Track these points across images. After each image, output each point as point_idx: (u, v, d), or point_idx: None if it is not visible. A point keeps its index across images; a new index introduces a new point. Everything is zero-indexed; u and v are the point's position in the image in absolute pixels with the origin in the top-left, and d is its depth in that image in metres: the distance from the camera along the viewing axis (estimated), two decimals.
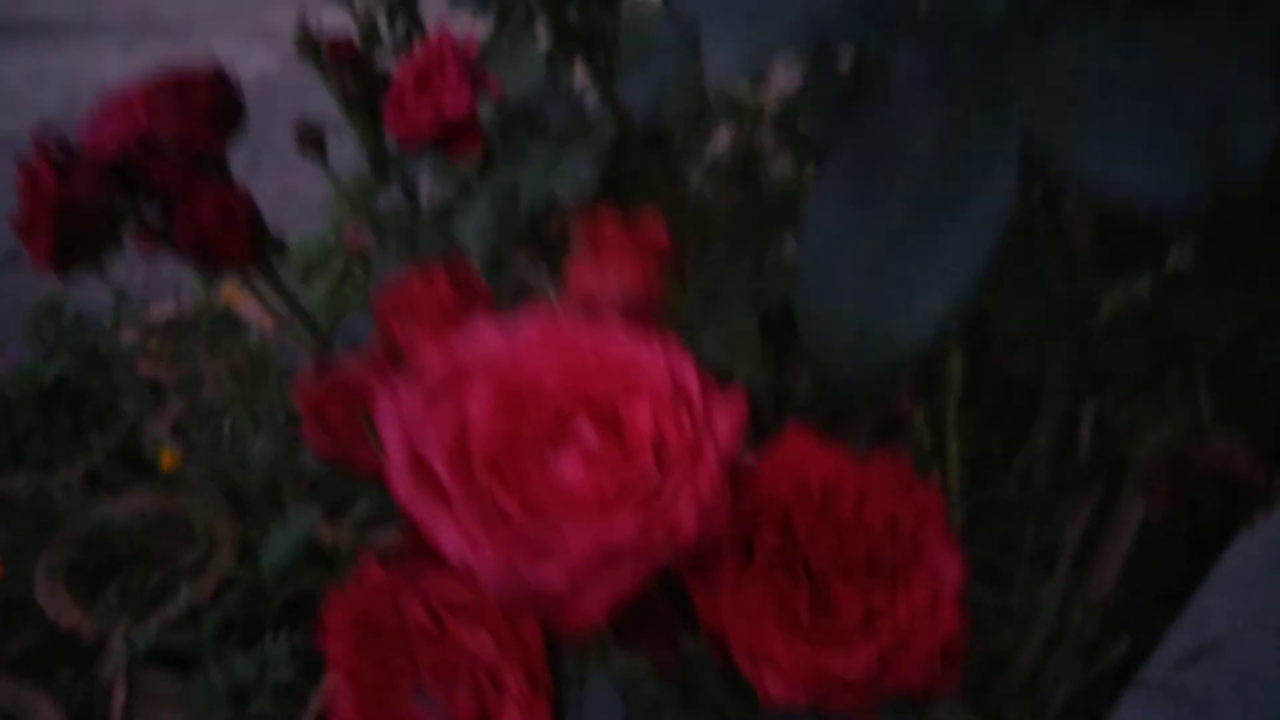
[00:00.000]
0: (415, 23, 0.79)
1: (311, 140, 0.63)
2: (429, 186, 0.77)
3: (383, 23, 0.82)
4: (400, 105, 0.65)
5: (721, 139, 0.70)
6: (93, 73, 3.39)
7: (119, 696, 0.91)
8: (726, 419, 0.21)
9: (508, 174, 0.49)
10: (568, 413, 0.21)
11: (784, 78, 0.60)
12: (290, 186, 2.93)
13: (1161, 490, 0.55)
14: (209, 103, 0.38)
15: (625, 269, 0.22)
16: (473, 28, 0.64)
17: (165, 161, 0.36)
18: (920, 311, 0.19)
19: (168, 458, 1.25)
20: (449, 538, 0.19)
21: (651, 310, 0.22)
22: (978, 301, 0.20)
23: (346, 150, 0.77)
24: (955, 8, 0.18)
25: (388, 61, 0.83)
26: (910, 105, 0.18)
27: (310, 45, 0.63)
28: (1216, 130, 0.17)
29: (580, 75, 0.60)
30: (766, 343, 0.53)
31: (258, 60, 3.66)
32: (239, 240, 0.38)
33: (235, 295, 1.49)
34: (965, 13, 0.18)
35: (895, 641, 0.21)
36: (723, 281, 0.47)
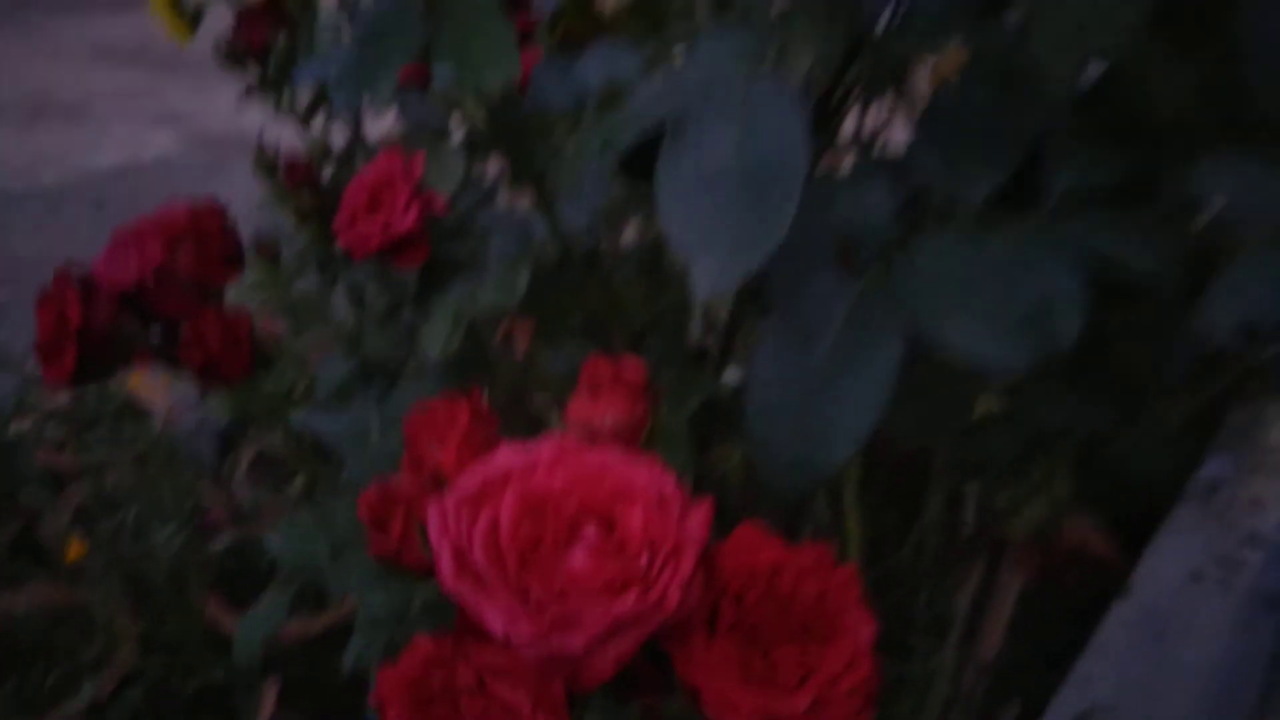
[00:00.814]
0: (359, 139, 0.86)
1: (269, 253, 0.68)
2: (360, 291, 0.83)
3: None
4: (352, 221, 0.71)
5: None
6: None
7: None
8: (697, 520, 0.27)
9: (464, 291, 0.56)
10: (578, 518, 0.27)
11: None
12: None
13: (1030, 565, 0.64)
14: (222, 247, 0.44)
15: (615, 403, 0.29)
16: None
17: (176, 291, 0.41)
18: (838, 440, 0.26)
19: (75, 548, 1.23)
20: (493, 616, 0.25)
21: (637, 435, 0.29)
22: None
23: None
24: (861, 231, 0.25)
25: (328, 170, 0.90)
26: (829, 293, 0.26)
27: (268, 167, 0.68)
28: (1042, 317, 0.25)
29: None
30: (693, 434, 0.60)
31: (159, 143, 3.63)
32: (240, 360, 0.43)
33: (138, 383, 1.48)
34: (869, 232, 0.25)
35: (826, 688, 0.28)
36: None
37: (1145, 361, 0.37)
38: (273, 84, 0.69)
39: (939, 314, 0.25)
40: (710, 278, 0.23)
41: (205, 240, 0.42)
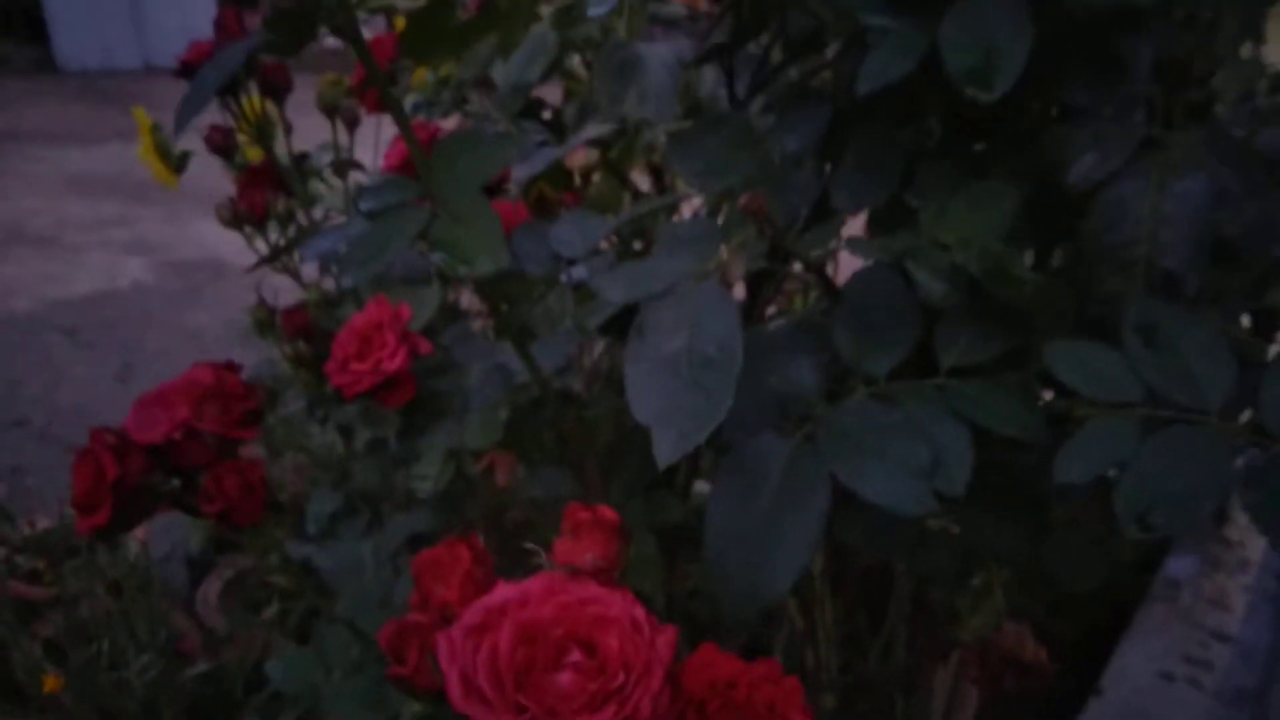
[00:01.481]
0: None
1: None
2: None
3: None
4: (344, 365, 0.77)
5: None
6: None
7: None
8: (665, 641, 0.33)
9: (452, 430, 0.62)
10: (564, 643, 0.32)
11: None
12: None
13: (973, 667, 0.69)
14: (245, 409, 0.49)
15: (594, 543, 0.34)
16: None
17: (200, 446, 0.46)
18: (781, 571, 0.32)
19: (50, 681, 1.24)
20: None
21: (614, 568, 0.34)
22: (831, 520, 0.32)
23: None
24: (792, 398, 0.32)
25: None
26: (769, 450, 0.32)
27: (268, 320, 0.74)
28: (938, 468, 0.32)
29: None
30: (664, 552, 0.65)
31: (132, 271, 3.68)
32: (254, 507, 0.48)
33: None
34: (798, 398, 0.32)
35: None
36: (627, 515, 0.60)
37: (1048, 485, 0.44)
38: (275, 250, 0.75)
39: (856, 467, 0.31)
40: (669, 446, 0.29)
41: (229, 401, 0.48)
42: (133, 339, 3.19)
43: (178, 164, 1.41)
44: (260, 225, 0.71)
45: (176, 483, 0.49)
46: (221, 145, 0.76)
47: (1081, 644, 1.08)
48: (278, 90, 0.79)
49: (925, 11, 0.35)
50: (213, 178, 1.25)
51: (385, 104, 0.48)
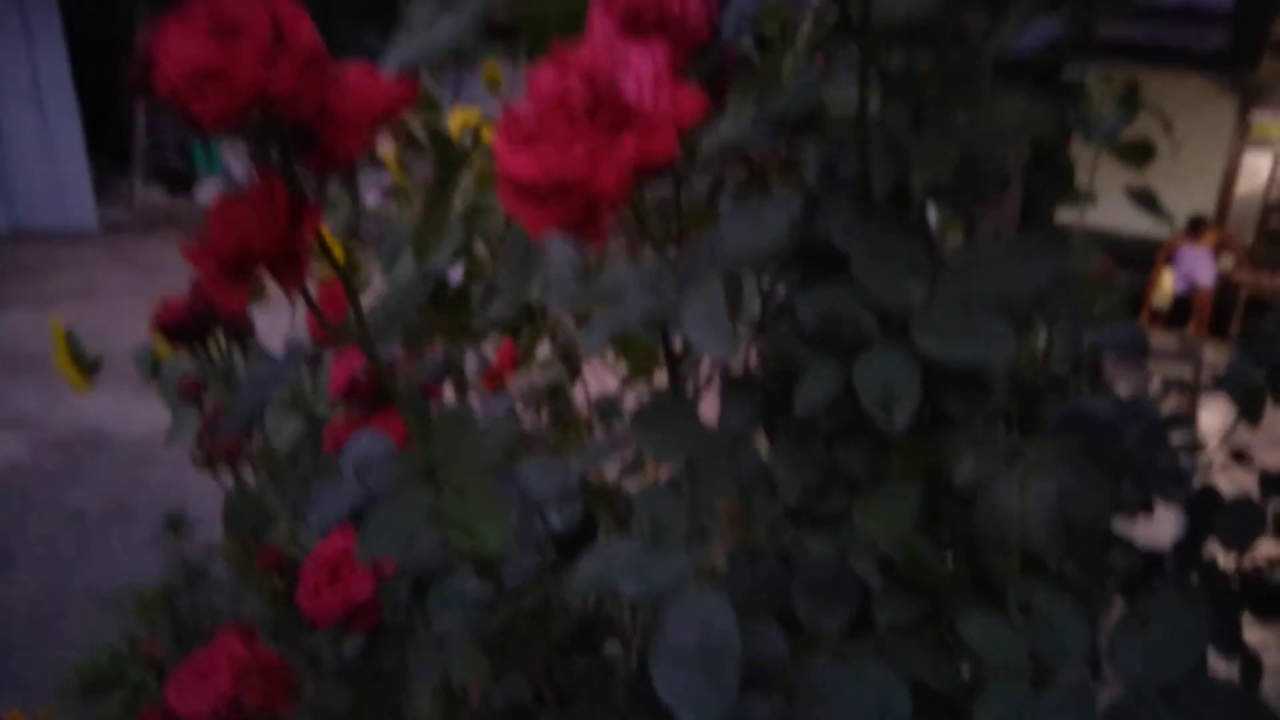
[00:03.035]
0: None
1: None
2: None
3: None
4: (315, 594, 0.83)
5: None
6: None
7: None
8: None
9: (437, 662, 0.68)
10: None
11: None
12: (49, 584, 2.87)
13: None
14: (286, 684, 0.55)
15: None
16: None
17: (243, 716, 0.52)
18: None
19: None
20: None
21: None
22: None
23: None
24: (768, 662, 0.42)
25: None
26: (761, 707, 0.42)
27: (242, 552, 0.80)
28: (885, 714, 0.41)
29: None
30: None
31: (8, 449, 3.54)
32: None
33: None
34: (773, 662, 0.42)
35: None
36: None
37: None
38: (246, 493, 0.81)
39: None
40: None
41: (271, 676, 0.54)
42: (11, 523, 3.04)
43: (91, 369, 1.45)
44: (234, 464, 0.77)
45: None
46: (194, 393, 0.82)
47: None
48: (241, 335, 0.86)
49: (843, 355, 0.47)
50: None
51: (389, 394, 0.57)
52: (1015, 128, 0.46)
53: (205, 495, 1.19)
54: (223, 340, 0.86)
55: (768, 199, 0.50)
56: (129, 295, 5.74)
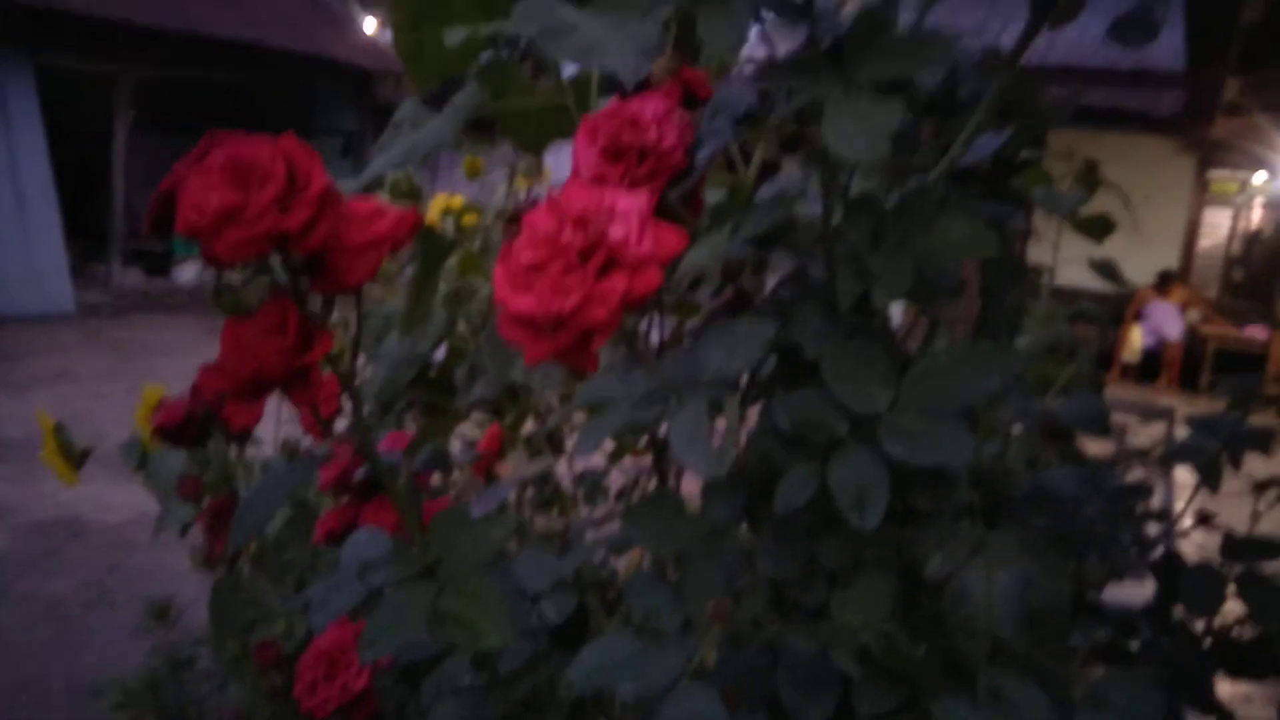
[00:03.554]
0: None
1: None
2: None
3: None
4: (312, 688, 0.85)
5: None
6: None
7: None
8: None
9: None
10: None
11: None
12: (28, 677, 2.84)
13: None
14: None
15: None
16: None
17: None
18: None
19: None
20: None
21: None
22: None
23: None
24: None
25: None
26: None
27: (231, 644, 0.81)
28: None
29: None
30: None
31: None
32: None
33: None
34: None
35: None
36: None
37: None
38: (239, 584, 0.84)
39: None
40: None
41: None
42: None
43: (78, 461, 1.47)
44: (233, 565, 0.80)
45: None
46: (193, 493, 0.85)
47: None
48: (240, 436, 0.89)
49: (818, 456, 0.51)
50: None
51: (397, 509, 0.60)
52: (963, 248, 0.50)
53: (186, 580, 1.21)
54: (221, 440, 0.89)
55: (743, 319, 0.54)
56: (106, 379, 5.72)
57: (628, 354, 0.53)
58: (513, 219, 0.82)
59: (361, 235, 0.53)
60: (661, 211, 0.60)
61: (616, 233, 0.42)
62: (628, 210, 0.42)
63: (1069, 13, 0.61)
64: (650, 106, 0.59)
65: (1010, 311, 0.76)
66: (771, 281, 0.70)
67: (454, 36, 0.77)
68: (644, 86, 0.70)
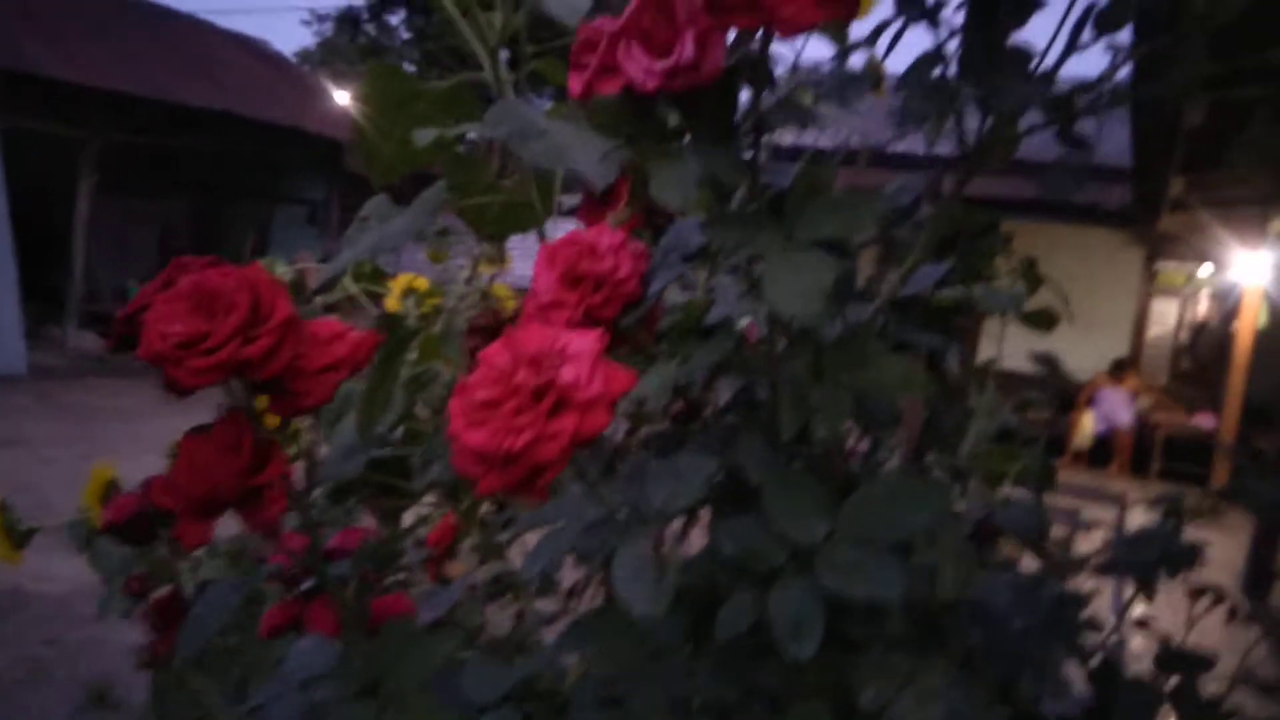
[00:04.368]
0: None
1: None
2: None
3: None
4: None
5: None
6: None
7: None
8: None
9: None
10: None
11: None
12: None
13: None
14: None
15: None
16: None
17: None
18: None
19: None
20: None
21: None
22: None
23: None
24: None
25: None
26: None
27: None
28: None
29: None
30: None
31: None
32: None
33: None
34: None
35: None
36: None
37: None
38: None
39: None
40: None
41: None
42: None
43: (21, 541, 1.44)
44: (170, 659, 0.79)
45: None
46: (139, 591, 0.84)
47: None
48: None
49: (759, 583, 0.53)
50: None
51: (341, 623, 0.61)
52: (899, 387, 0.53)
53: (128, 657, 1.18)
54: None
55: (686, 453, 0.56)
56: (58, 444, 5.60)
57: (575, 477, 0.55)
58: (473, 330, 0.85)
59: (321, 358, 0.54)
60: (616, 333, 0.63)
61: (568, 375, 0.44)
62: (579, 352, 0.45)
63: (1002, 155, 0.66)
64: (607, 237, 0.61)
65: (950, 430, 0.79)
66: (722, 392, 0.73)
67: (424, 136, 0.80)
68: (612, 189, 0.73)
